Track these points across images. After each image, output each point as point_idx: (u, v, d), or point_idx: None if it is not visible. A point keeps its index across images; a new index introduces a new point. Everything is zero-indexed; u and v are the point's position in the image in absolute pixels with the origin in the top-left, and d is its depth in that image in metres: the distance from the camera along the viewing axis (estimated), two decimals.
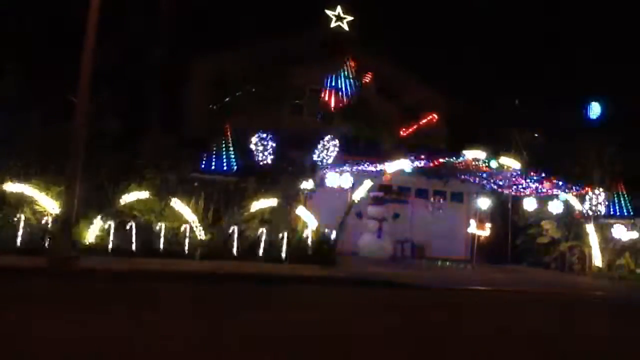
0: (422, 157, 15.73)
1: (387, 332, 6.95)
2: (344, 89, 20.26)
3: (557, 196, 17.76)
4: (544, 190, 17.79)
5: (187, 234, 13.16)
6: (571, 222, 18.13)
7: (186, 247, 13.06)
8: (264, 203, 14.15)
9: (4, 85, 13.51)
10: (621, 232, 17.08)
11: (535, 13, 28.08)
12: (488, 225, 17.87)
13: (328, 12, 20.10)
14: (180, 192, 13.63)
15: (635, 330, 8.59)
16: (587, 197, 17.27)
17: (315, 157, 15.85)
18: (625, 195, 18.15)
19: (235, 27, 20.42)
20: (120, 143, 13.91)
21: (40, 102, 13.57)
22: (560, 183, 17.08)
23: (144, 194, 13.20)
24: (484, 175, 17.92)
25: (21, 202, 12.44)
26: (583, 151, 19.35)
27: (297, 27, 20.03)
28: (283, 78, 18.83)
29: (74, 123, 11.06)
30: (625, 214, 17.92)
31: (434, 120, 21.43)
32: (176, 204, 13.31)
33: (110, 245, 12.39)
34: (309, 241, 14.19)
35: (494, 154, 16.08)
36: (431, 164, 15.83)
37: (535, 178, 17.06)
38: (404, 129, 20.94)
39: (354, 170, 16.19)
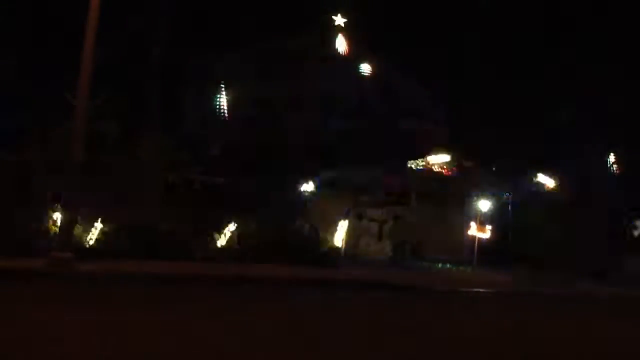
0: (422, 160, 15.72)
1: (387, 333, 6.91)
2: (344, 90, 20.22)
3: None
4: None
5: (190, 237, 13.09)
6: (572, 223, 18.10)
7: (187, 250, 12.97)
8: (266, 204, 14.09)
9: (3, 84, 13.46)
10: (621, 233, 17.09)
11: (534, 12, 28.04)
12: (488, 227, 17.82)
13: (329, 15, 20.04)
14: (181, 193, 13.56)
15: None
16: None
17: (317, 159, 15.83)
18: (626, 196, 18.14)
19: (235, 27, 20.38)
20: (120, 144, 13.87)
21: (39, 102, 13.53)
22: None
23: (145, 195, 13.13)
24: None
25: (21, 202, 12.36)
26: (583, 151, 19.37)
27: (297, 28, 20.00)
28: (283, 78, 18.82)
29: (74, 123, 11.00)
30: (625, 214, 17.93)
31: (435, 121, 21.42)
32: (178, 204, 13.23)
33: (110, 248, 12.29)
34: (310, 243, 14.12)
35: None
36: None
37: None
38: (403, 131, 20.91)
39: (355, 172, 16.17)
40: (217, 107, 18.87)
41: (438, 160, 15.50)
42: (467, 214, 19.80)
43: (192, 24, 19.43)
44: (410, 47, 22.65)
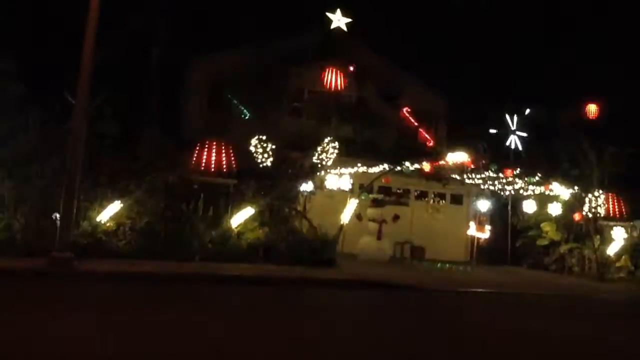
0: (422, 159, 15.72)
1: (386, 333, 6.93)
2: (343, 90, 20.21)
3: (556, 198, 17.75)
4: (543, 191, 17.76)
5: (187, 236, 13.10)
6: (571, 224, 18.12)
7: (185, 249, 12.99)
8: (264, 205, 14.12)
9: (3, 85, 13.47)
10: (620, 234, 17.09)
11: (533, 10, 28.09)
12: (488, 227, 17.86)
13: (328, 14, 20.02)
14: (180, 193, 13.58)
15: (628, 333, 8.57)
16: (587, 199, 17.25)
17: (314, 159, 15.83)
18: (624, 197, 18.17)
19: (234, 28, 20.39)
20: (120, 144, 13.88)
21: (39, 102, 13.54)
22: (560, 185, 17.05)
23: (144, 196, 13.16)
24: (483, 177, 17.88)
25: (20, 202, 12.39)
26: (582, 152, 19.38)
27: (296, 28, 20.02)
28: (283, 78, 18.82)
29: (73, 123, 11.04)
30: (625, 215, 17.95)
31: (435, 121, 21.44)
32: (177, 205, 13.26)
33: (110, 247, 12.32)
34: (308, 243, 14.14)
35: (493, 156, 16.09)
36: (429, 167, 15.79)
37: (535, 180, 17.04)
38: (403, 130, 20.94)
39: (353, 172, 16.19)
40: (217, 107, 18.87)
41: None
42: (467, 214, 19.86)
43: (192, 24, 19.47)
44: (410, 48, 22.75)
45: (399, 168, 15.62)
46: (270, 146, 15.36)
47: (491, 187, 17.99)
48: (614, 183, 18.67)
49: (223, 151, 14.87)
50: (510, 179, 16.65)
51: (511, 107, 22.09)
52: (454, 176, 16.85)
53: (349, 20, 20.12)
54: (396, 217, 17.45)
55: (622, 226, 17.37)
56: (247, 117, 16.10)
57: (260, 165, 15.26)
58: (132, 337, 5.98)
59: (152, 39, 17.92)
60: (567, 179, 17.60)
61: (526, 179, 16.65)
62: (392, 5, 24.11)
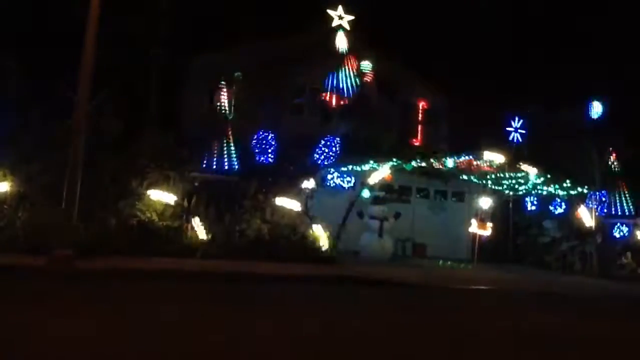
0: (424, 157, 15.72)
1: (385, 332, 6.93)
2: (345, 88, 20.19)
3: (558, 195, 17.74)
4: (546, 189, 17.76)
5: (189, 234, 13.13)
6: (572, 221, 18.10)
7: (187, 246, 13.01)
8: (265, 203, 14.12)
9: (4, 83, 13.50)
10: (622, 232, 17.06)
11: (535, 10, 28.00)
12: (489, 224, 17.83)
13: (330, 12, 19.99)
14: (181, 191, 13.60)
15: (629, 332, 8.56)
16: (589, 197, 17.23)
17: (316, 157, 15.84)
18: (627, 195, 18.13)
19: (235, 25, 20.37)
20: (121, 142, 13.91)
21: (40, 100, 13.57)
22: (562, 182, 17.03)
23: (145, 194, 13.19)
24: (485, 175, 17.88)
25: (22, 200, 12.42)
26: (584, 150, 19.34)
27: (297, 26, 19.99)
28: (284, 77, 18.79)
29: (75, 122, 11.05)
30: (627, 213, 17.91)
31: (435, 119, 21.41)
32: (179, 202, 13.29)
33: (111, 245, 12.33)
34: (310, 240, 14.16)
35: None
36: (432, 166, 15.79)
37: (537, 177, 17.01)
38: (405, 128, 20.92)
39: (355, 169, 16.19)
40: (218, 106, 18.86)
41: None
42: (469, 211, 19.84)
43: (192, 23, 19.45)
44: (411, 46, 22.72)
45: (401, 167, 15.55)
46: (271, 143, 15.36)
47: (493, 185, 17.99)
48: (616, 181, 18.61)
49: (224, 149, 14.87)
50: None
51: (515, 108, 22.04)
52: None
53: (351, 17, 20.09)
54: (398, 215, 17.44)
55: (624, 223, 17.34)
56: (248, 115, 16.07)
57: (262, 162, 15.26)
58: (128, 334, 5.99)
59: (152, 38, 17.91)
60: (569, 177, 17.57)
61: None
62: (392, 4, 24.09)
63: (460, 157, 15.62)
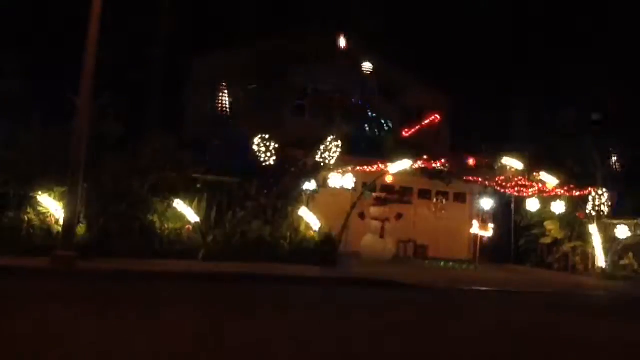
0: (424, 158, 15.66)
1: (384, 334, 6.92)
2: (345, 89, 20.20)
3: (560, 196, 17.70)
4: (547, 190, 17.72)
5: (190, 235, 13.11)
6: (574, 222, 18.06)
7: (189, 248, 13.00)
8: (267, 204, 14.11)
9: (5, 85, 13.51)
10: (624, 232, 17.02)
11: (536, 12, 28.01)
12: (491, 225, 17.80)
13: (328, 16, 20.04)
14: (182, 193, 13.59)
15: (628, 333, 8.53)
16: (590, 197, 17.19)
17: (317, 158, 15.83)
18: (628, 195, 18.11)
19: (236, 26, 20.40)
20: (122, 144, 13.90)
21: (42, 102, 13.57)
22: (563, 183, 16.99)
23: (147, 195, 13.18)
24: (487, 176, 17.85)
25: (24, 202, 12.42)
26: (586, 150, 19.33)
27: (298, 28, 20.00)
28: (285, 78, 18.81)
29: (76, 123, 11.06)
30: (628, 213, 17.86)
31: (437, 120, 21.42)
32: (179, 205, 13.27)
33: (113, 246, 12.33)
34: (311, 242, 14.14)
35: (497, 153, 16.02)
36: (434, 166, 15.74)
37: (538, 178, 16.98)
38: (406, 130, 20.93)
39: (356, 170, 16.17)
40: (219, 106, 18.89)
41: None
42: (470, 212, 19.83)
43: (194, 24, 19.49)
44: (412, 47, 22.73)
45: (403, 168, 15.50)
46: (273, 145, 15.37)
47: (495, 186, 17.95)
48: (617, 181, 18.61)
49: (225, 150, 14.87)
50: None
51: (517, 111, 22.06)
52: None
53: (352, 20, 20.11)
54: (399, 216, 17.42)
55: (625, 224, 17.30)
56: (249, 116, 16.09)
57: (263, 164, 15.26)
58: (131, 335, 5.98)
59: (154, 39, 17.94)
60: (571, 177, 17.55)
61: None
62: (393, 6, 24.11)
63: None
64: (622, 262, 16.85)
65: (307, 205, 15.03)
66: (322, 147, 15.86)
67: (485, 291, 12.55)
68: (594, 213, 17.12)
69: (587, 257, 17.48)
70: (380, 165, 15.91)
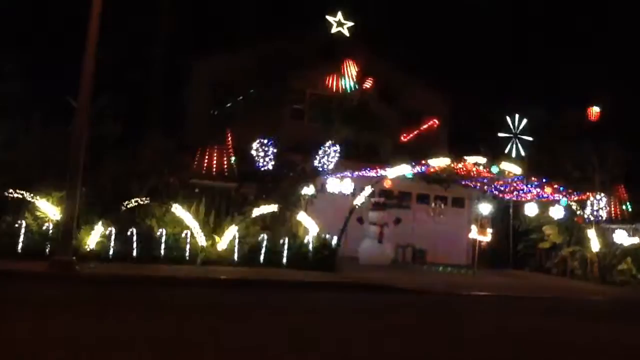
0: (423, 162, 15.64)
1: (384, 337, 6.89)
2: (345, 93, 20.21)
3: (558, 201, 17.70)
4: (545, 195, 17.73)
5: (188, 240, 13.08)
6: (572, 227, 18.07)
7: (187, 253, 12.97)
8: (265, 209, 14.09)
9: (4, 87, 13.49)
10: (622, 237, 17.04)
11: (535, 14, 28.14)
12: (489, 230, 17.77)
13: (329, 18, 20.03)
14: (181, 197, 13.57)
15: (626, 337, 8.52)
16: (589, 202, 17.21)
17: (316, 163, 15.83)
18: (627, 200, 18.13)
19: (235, 30, 20.43)
20: (121, 147, 13.89)
21: (40, 104, 13.56)
22: (561, 188, 17.00)
23: (145, 200, 13.16)
24: (485, 180, 17.85)
25: (22, 207, 12.39)
26: (584, 154, 19.35)
27: (298, 31, 20.04)
28: (284, 81, 18.82)
29: (75, 126, 11.04)
30: (627, 218, 17.90)
31: (435, 125, 21.44)
32: (177, 209, 13.25)
33: (111, 251, 12.30)
34: (310, 247, 14.12)
35: (495, 158, 16.02)
36: (432, 170, 15.71)
37: (536, 183, 16.99)
38: (405, 134, 20.95)
39: (354, 175, 16.16)
40: (219, 108, 18.87)
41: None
42: (469, 217, 19.82)
43: (193, 26, 19.51)
44: (411, 51, 22.78)
45: (401, 172, 15.49)
46: (271, 149, 15.36)
47: (493, 191, 17.96)
48: (616, 185, 18.63)
49: (224, 154, 14.86)
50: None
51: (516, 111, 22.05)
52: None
53: (351, 24, 20.13)
54: (398, 221, 17.41)
55: (624, 229, 17.32)
56: (248, 120, 16.07)
57: (262, 169, 15.25)
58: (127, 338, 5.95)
59: (153, 41, 17.95)
60: (570, 182, 17.57)
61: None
62: (393, 7, 24.18)
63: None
64: (620, 267, 16.85)
65: (306, 210, 15.01)
66: (320, 152, 15.86)
67: (484, 296, 12.55)
68: (592, 218, 17.15)
69: (586, 261, 17.49)
70: (379, 170, 15.89)
